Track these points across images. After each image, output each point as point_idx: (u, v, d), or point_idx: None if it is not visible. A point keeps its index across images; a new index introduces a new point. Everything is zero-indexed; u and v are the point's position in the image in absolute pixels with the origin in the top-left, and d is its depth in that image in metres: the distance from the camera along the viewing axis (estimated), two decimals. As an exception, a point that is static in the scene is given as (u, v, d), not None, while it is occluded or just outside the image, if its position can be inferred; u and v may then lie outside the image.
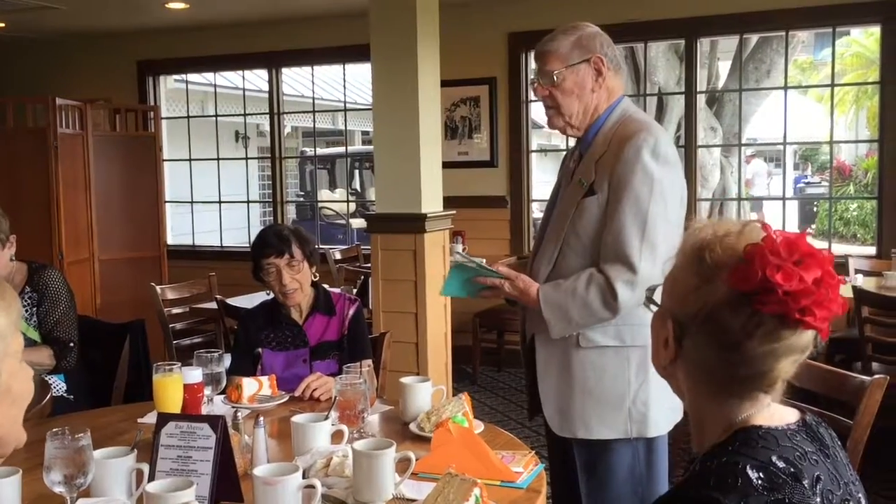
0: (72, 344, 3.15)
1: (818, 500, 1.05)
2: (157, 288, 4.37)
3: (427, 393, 2.29)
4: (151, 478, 1.72)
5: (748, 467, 1.04)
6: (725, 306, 1.09)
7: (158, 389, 2.12)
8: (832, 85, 6.08)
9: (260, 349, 2.78)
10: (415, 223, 4.05)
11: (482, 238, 5.93)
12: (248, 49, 6.94)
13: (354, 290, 4.49)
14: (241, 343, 2.84)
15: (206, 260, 6.80)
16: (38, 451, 1.67)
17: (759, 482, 1.03)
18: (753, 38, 7.80)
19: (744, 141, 7.31)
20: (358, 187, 12.18)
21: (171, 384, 2.12)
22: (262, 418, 1.96)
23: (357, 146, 13.25)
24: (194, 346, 4.22)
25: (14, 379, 1.11)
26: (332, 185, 12.36)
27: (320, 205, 9.87)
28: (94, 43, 7.30)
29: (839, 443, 1.19)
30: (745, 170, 13.71)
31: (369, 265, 4.74)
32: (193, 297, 4.68)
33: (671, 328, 1.16)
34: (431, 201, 4.17)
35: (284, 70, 7.30)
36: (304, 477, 1.69)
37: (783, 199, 6.65)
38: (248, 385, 2.47)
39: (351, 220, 9.54)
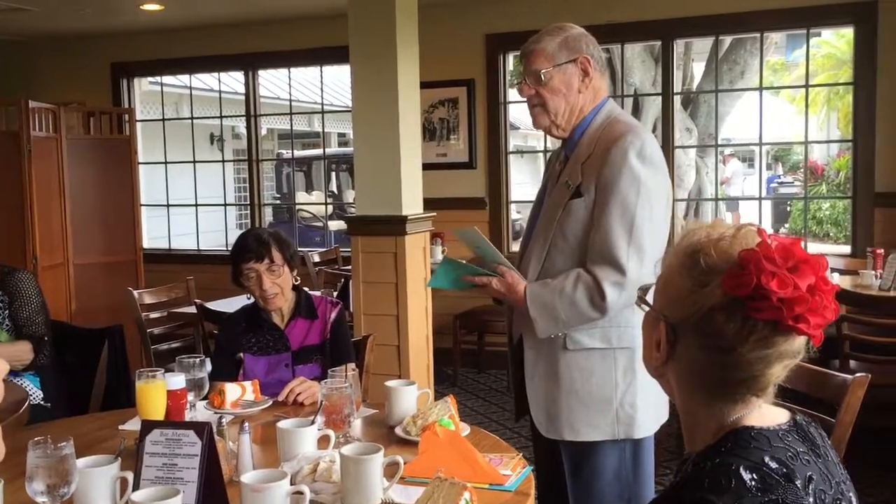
0: (46, 338, 3.15)
1: (811, 499, 1.05)
2: (135, 293, 4.32)
3: (413, 396, 2.28)
4: (136, 486, 1.69)
5: (741, 468, 1.05)
6: (719, 311, 1.09)
7: (141, 396, 2.09)
8: (806, 86, 6.14)
9: (241, 354, 2.76)
10: (396, 225, 4.04)
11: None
12: (223, 51, 6.89)
13: (335, 293, 4.47)
14: (223, 348, 2.81)
15: (183, 264, 6.75)
16: (18, 460, 1.64)
17: (753, 483, 1.04)
18: (727, 40, 7.87)
19: (719, 142, 7.36)
20: (335, 189, 12.14)
21: (155, 391, 2.09)
22: (247, 424, 1.94)
23: (333, 148, 13.20)
24: (172, 351, 4.18)
25: None
26: (309, 188, 12.30)
27: (297, 207, 9.82)
28: (67, 45, 7.22)
29: (829, 442, 1.20)
30: (725, 168, 13.87)
31: (349, 268, 4.72)
32: (171, 301, 4.63)
33: (664, 330, 1.16)
34: (412, 203, 4.15)
35: (260, 72, 7.25)
36: (291, 483, 1.68)
37: (759, 198, 6.71)
38: (231, 390, 2.45)
39: (328, 223, 9.50)
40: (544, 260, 2.18)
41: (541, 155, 7.61)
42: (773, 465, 1.06)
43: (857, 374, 2.03)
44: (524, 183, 11.35)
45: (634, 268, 2.06)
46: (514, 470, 1.90)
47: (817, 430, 1.18)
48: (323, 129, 8.30)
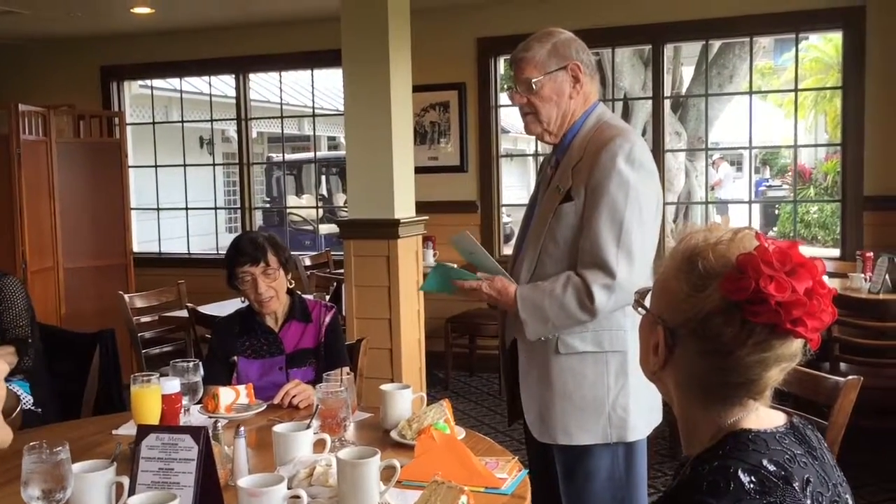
0: (30, 340, 3.13)
1: (808, 502, 1.06)
2: (126, 296, 4.31)
3: (408, 400, 2.28)
4: (132, 491, 1.69)
5: (740, 471, 1.05)
6: (717, 315, 1.09)
7: (136, 401, 2.08)
8: (795, 90, 6.18)
9: (235, 357, 2.75)
10: (388, 229, 4.04)
11: (452, 243, 5.92)
12: (214, 54, 6.88)
13: (327, 297, 4.47)
14: (216, 351, 2.81)
15: (174, 267, 6.72)
16: (13, 464, 1.63)
17: (752, 486, 1.04)
18: (717, 44, 7.92)
19: (708, 145, 7.41)
20: (325, 193, 12.13)
21: (150, 395, 2.08)
22: (242, 428, 1.94)
23: (323, 152, 13.19)
24: (164, 356, 4.17)
25: None
26: (299, 191, 12.29)
27: (288, 211, 9.80)
28: (56, 48, 7.18)
29: (826, 444, 1.21)
30: (717, 171, 13.93)
31: (340, 271, 4.72)
32: (162, 305, 4.62)
33: (662, 334, 1.17)
34: (404, 207, 4.16)
35: (251, 75, 7.24)
36: (288, 487, 1.68)
37: (749, 202, 6.75)
38: (225, 394, 2.44)
39: (319, 226, 9.49)
40: (536, 265, 2.19)
41: (531, 158, 7.62)
42: (771, 467, 1.06)
43: (850, 377, 2.04)
44: (513, 186, 11.38)
45: (624, 271, 2.07)
46: (510, 473, 1.90)
47: (814, 433, 1.19)
48: (314, 132, 8.29)
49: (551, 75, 2.19)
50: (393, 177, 4.06)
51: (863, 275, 4.47)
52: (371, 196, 4.10)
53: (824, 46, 14.66)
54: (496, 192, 6.31)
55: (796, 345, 1.11)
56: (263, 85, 10.25)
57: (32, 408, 3.12)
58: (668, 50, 6.74)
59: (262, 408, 2.47)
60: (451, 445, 1.92)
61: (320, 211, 10.88)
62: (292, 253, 6.21)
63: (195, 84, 9.25)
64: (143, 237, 7.70)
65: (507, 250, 6.02)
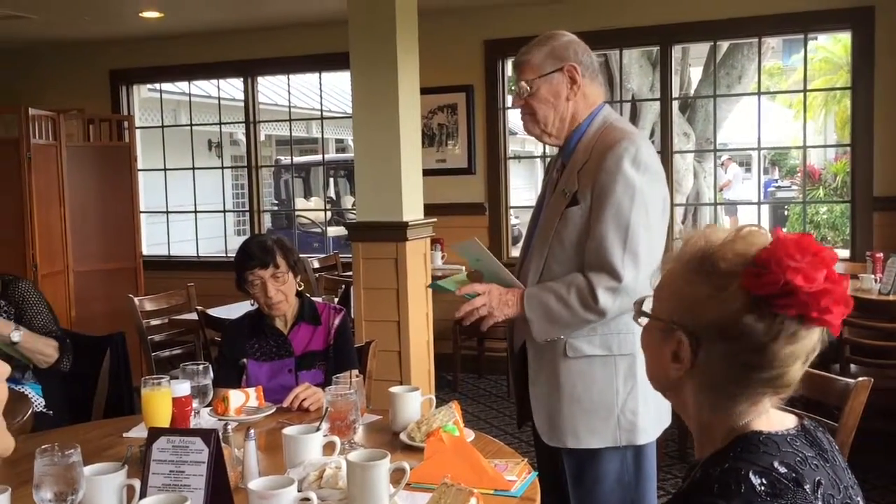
0: (67, 340, 3.13)
1: (819, 504, 1.06)
2: (136, 300, 4.32)
3: (417, 402, 2.29)
4: (143, 494, 1.70)
5: (751, 473, 1.05)
6: (747, 312, 1.08)
7: (147, 404, 2.09)
8: (804, 90, 6.16)
9: (244, 360, 2.76)
10: (397, 231, 4.05)
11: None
12: (223, 58, 6.90)
13: (336, 299, 4.47)
14: (226, 354, 2.82)
15: (183, 270, 6.74)
16: (25, 467, 1.64)
17: (762, 488, 1.04)
18: (725, 45, 7.90)
19: (717, 146, 7.39)
20: (333, 195, 12.16)
21: (160, 398, 2.09)
22: (252, 431, 1.95)
23: (331, 154, 13.21)
24: (173, 358, 4.19)
25: None
26: (307, 194, 12.31)
27: (296, 213, 9.83)
28: (66, 52, 7.22)
29: (837, 447, 1.20)
30: (726, 172, 13.90)
31: (348, 274, 4.72)
32: (172, 308, 4.64)
33: (685, 340, 1.14)
34: (413, 209, 4.16)
35: (259, 78, 7.26)
36: (298, 490, 1.68)
37: (758, 203, 6.74)
38: (235, 397, 2.45)
39: (327, 229, 9.51)
40: (543, 268, 2.19)
41: (538, 160, 7.61)
42: (783, 469, 1.06)
43: (860, 378, 2.04)
44: (521, 188, 11.38)
45: (630, 274, 2.07)
46: (520, 475, 1.90)
47: (825, 435, 1.19)
48: (322, 134, 8.32)
49: (546, 77, 2.20)
50: (401, 179, 4.06)
51: (873, 276, 4.46)
52: (379, 198, 4.10)
53: (833, 47, 14.60)
54: (504, 194, 6.31)
55: (817, 335, 1.11)
56: (271, 88, 10.27)
57: (44, 410, 3.14)
58: (677, 51, 6.74)
59: (272, 410, 2.48)
60: (461, 448, 1.93)
61: (328, 213, 10.92)
62: (301, 255, 6.24)
63: (204, 87, 9.28)
64: (153, 240, 7.73)
65: (516, 252, 6.02)
